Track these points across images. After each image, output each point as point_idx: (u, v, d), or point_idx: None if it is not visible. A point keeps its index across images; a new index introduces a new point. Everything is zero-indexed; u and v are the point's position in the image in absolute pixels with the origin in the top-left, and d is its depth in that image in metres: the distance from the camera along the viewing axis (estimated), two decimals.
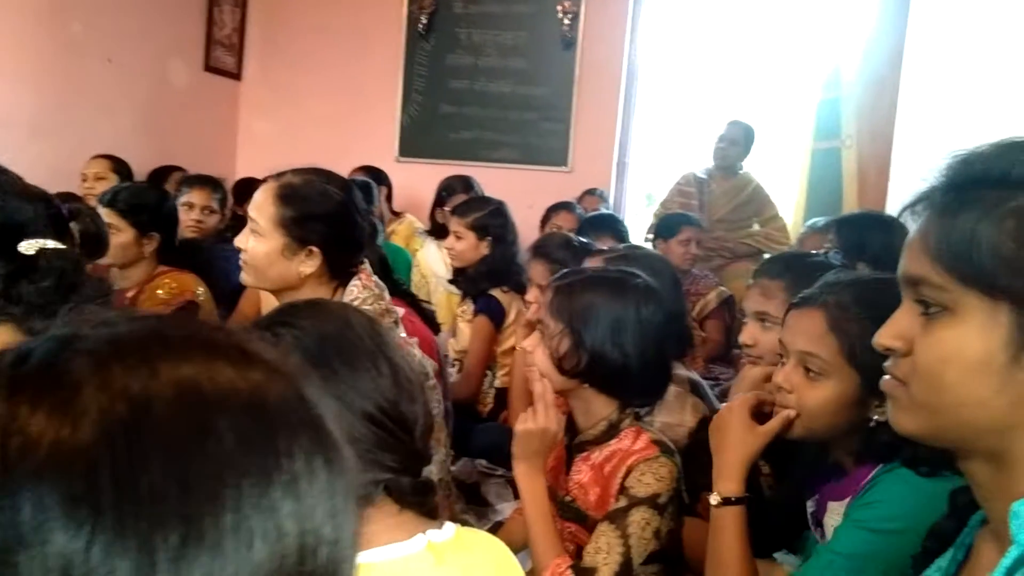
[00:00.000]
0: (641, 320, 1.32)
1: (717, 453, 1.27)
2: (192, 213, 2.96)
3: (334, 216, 1.55)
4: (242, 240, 1.56)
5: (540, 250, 2.38)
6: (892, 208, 3.09)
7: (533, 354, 1.38)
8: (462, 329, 2.72)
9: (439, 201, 3.70)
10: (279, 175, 1.57)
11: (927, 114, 2.82)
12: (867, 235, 2.29)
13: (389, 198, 3.94)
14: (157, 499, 0.34)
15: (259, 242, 1.53)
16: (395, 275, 2.38)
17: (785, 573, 1.44)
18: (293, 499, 0.38)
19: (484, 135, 4.70)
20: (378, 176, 3.81)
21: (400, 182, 4.15)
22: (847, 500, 1.13)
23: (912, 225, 0.75)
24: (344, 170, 4.38)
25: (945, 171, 0.71)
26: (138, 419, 0.35)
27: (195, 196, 3.04)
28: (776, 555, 1.53)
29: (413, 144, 4.80)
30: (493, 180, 4.19)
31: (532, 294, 2.33)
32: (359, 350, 0.87)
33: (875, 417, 1.11)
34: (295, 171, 1.59)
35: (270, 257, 1.53)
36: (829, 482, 1.21)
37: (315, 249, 1.53)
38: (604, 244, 2.61)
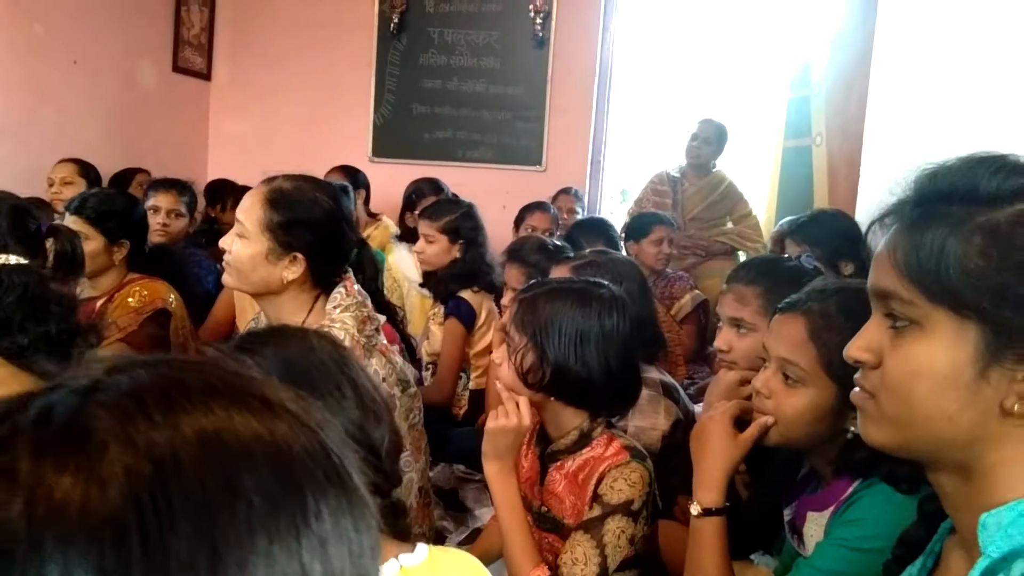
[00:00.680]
0: (604, 331, 1.31)
1: (697, 462, 1.27)
2: (158, 217, 2.91)
3: (321, 224, 1.54)
4: (227, 242, 1.55)
5: (515, 254, 2.38)
6: (862, 205, 3.12)
7: (501, 368, 1.36)
8: (434, 332, 2.70)
9: (408, 205, 3.68)
10: (270, 179, 1.57)
11: (896, 112, 2.85)
12: (830, 232, 2.33)
13: (367, 200, 3.91)
14: (187, 568, 0.33)
15: (244, 245, 1.52)
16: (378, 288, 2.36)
17: (761, 574, 1.45)
18: (321, 556, 0.38)
19: (458, 135, 4.69)
20: (355, 178, 3.77)
21: (373, 183, 4.11)
22: (827, 512, 1.14)
23: (880, 238, 0.75)
24: (318, 171, 4.36)
25: (913, 185, 0.72)
26: (165, 480, 0.35)
27: (161, 199, 2.99)
28: (752, 556, 1.55)
29: (386, 144, 4.77)
30: (467, 180, 4.19)
31: (507, 297, 2.33)
32: (323, 375, 0.87)
33: (851, 428, 1.12)
34: (286, 177, 1.58)
35: (254, 260, 1.52)
36: (806, 491, 1.22)
37: (299, 256, 1.53)
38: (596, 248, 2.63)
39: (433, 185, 3.73)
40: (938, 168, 0.71)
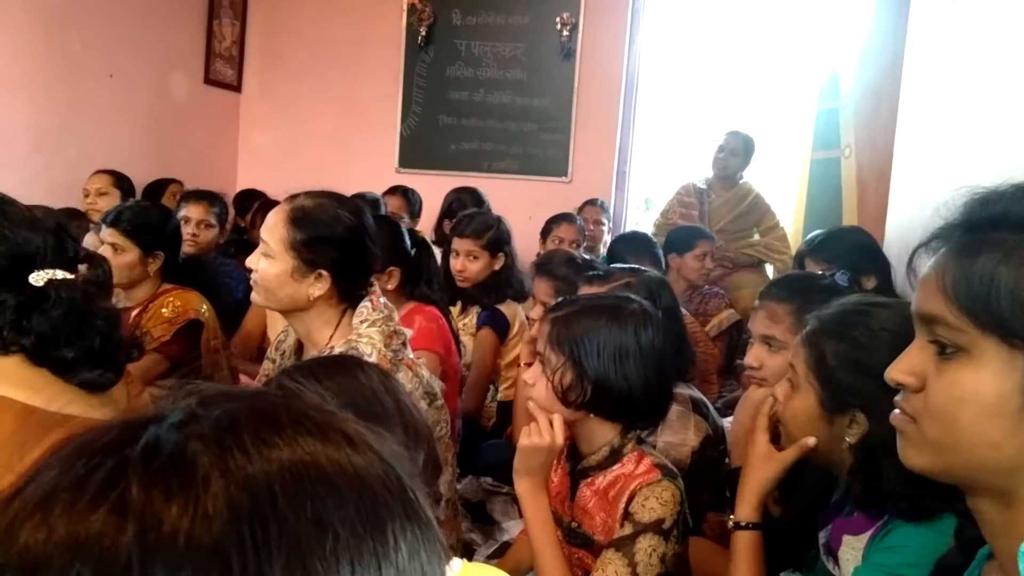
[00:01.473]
0: (641, 345, 1.31)
1: (742, 477, 1.31)
2: (188, 227, 2.96)
3: (345, 240, 1.56)
4: (253, 261, 1.57)
5: (544, 268, 2.39)
6: (892, 218, 3.09)
7: (535, 388, 1.36)
8: (464, 343, 2.71)
9: (447, 213, 3.70)
10: (292, 197, 1.58)
11: (928, 125, 2.82)
12: (848, 248, 2.33)
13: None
14: None
15: (270, 264, 1.54)
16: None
17: None
18: None
19: (484, 146, 4.72)
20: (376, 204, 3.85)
21: None
22: (863, 536, 1.14)
23: (926, 261, 0.75)
24: (346, 181, 4.42)
25: (963, 209, 0.71)
26: (263, 513, 0.37)
27: (192, 210, 3.04)
28: (783, 574, 1.54)
29: (413, 155, 4.82)
30: (493, 191, 4.21)
31: (536, 311, 2.34)
32: (373, 403, 0.88)
33: (848, 440, 1.13)
34: (308, 194, 1.59)
35: (280, 279, 1.53)
36: (842, 514, 1.21)
37: (324, 272, 1.54)
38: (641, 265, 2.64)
39: (473, 195, 3.77)
40: (990, 194, 0.70)
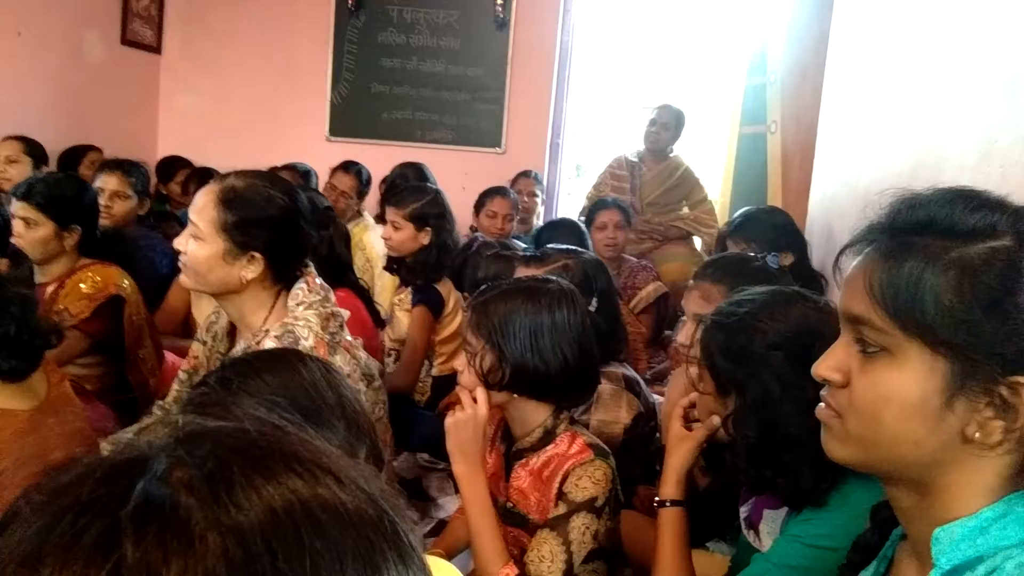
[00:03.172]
0: (556, 324, 1.35)
1: (664, 458, 1.37)
2: (102, 199, 2.78)
3: (278, 222, 1.51)
4: (181, 242, 1.52)
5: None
6: (816, 194, 3.20)
7: (463, 374, 1.40)
8: (399, 318, 2.70)
9: (391, 189, 3.64)
10: (222, 177, 1.53)
11: (850, 102, 2.91)
12: (765, 229, 2.42)
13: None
14: None
15: (199, 246, 1.49)
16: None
17: (717, 561, 1.51)
18: None
19: (417, 115, 4.65)
20: (307, 176, 3.79)
21: (331, 162, 4.07)
22: (782, 510, 1.19)
23: (851, 259, 0.77)
24: (274, 149, 4.30)
25: (889, 212, 0.73)
26: (259, 563, 0.37)
27: (106, 181, 2.87)
28: (709, 544, 1.61)
29: (344, 123, 4.71)
30: (426, 161, 4.15)
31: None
32: (316, 397, 0.87)
33: (728, 419, 1.20)
34: (238, 174, 1.54)
35: (211, 261, 1.49)
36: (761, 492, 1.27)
37: (257, 255, 1.50)
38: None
39: (417, 170, 3.71)
40: (916, 197, 0.72)
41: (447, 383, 2.66)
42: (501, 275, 2.28)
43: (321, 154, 4.37)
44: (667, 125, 4.06)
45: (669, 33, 4.97)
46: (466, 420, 1.34)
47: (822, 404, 0.78)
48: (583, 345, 1.38)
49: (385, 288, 3.34)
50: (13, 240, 2.14)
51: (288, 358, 0.97)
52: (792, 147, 3.74)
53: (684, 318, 1.66)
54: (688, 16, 4.93)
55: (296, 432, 0.47)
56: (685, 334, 1.60)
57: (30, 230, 2.12)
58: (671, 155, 4.16)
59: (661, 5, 4.93)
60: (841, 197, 2.71)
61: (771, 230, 2.37)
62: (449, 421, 1.36)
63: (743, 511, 1.32)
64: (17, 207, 2.13)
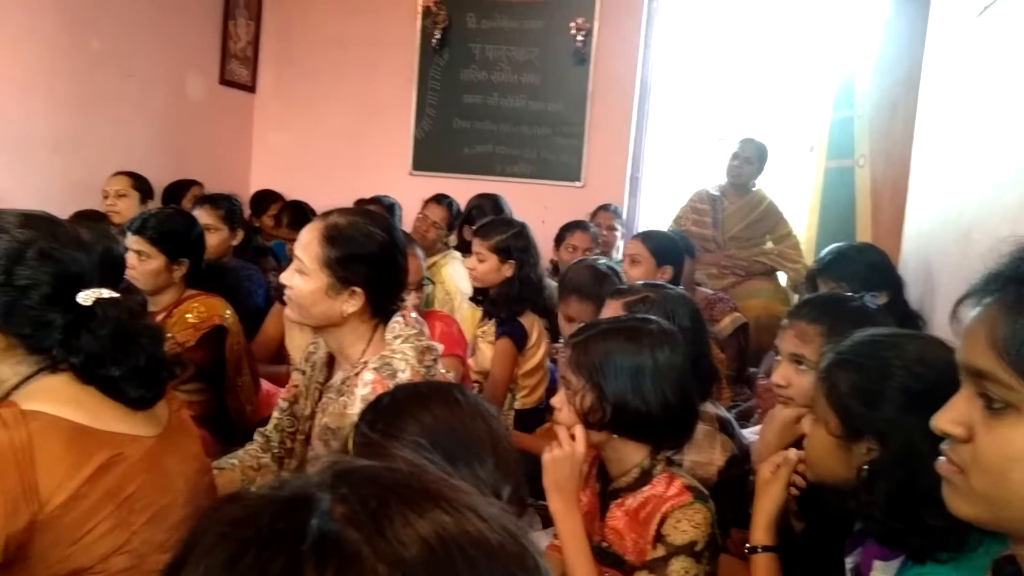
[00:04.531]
0: (658, 365, 1.35)
1: (754, 502, 1.36)
2: None
3: (377, 257, 1.57)
4: (288, 277, 1.59)
5: (567, 286, 2.42)
6: (909, 230, 3.10)
7: (561, 411, 1.41)
8: (483, 350, 2.73)
9: (468, 219, 3.72)
10: (326, 215, 1.60)
11: (946, 135, 2.82)
12: (858, 267, 2.34)
13: None
14: None
15: (304, 281, 1.55)
16: None
17: None
18: None
19: (497, 150, 4.73)
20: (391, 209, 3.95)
21: (413, 196, 4.17)
22: (895, 561, 1.15)
23: (968, 309, 0.75)
24: (359, 182, 4.43)
25: (1012, 261, 0.71)
26: None
27: (198, 215, 3.02)
28: None
29: (427, 158, 4.83)
30: (506, 195, 4.21)
31: (565, 327, 2.39)
32: (475, 440, 0.90)
33: (865, 467, 1.16)
34: (341, 211, 1.61)
35: (314, 296, 1.55)
36: (870, 538, 1.23)
37: (358, 289, 1.55)
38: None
39: (493, 202, 3.78)
40: None
41: (530, 416, 2.68)
42: (585, 286, 2.31)
43: (404, 188, 4.49)
44: (750, 159, 4.02)
45: (750, 66, 4.93)
46: (564, 457, 1.35)
47: (943, 458, 0.76)
48: (683, 386, 1.38)
49: (465, 320, 3.39)
50: (126, 273, 2.27)
51: (448, 391, 1.00)
52: (882, 181, 3.65)
53: (778, 357, 1.63)
54: (770, 49, 4.88)
55: (436, 471, 0.50)
56: (781, 374, 1.57)
57: (143, 263, 2.24)
58: (753, 189, 4.11)
59: (743, 38, 4.90)
60: (939, 234, 2.62)
61: (864, 268, 2.30)
62: (547, 457, 1.37)
63: (849, 561, 1.28)
64: (131, 241, 2.26)
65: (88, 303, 1.15)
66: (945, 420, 0.74)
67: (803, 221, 4.28)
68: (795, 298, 3.96)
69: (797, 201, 4.42)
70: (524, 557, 0.44)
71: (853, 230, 3.72)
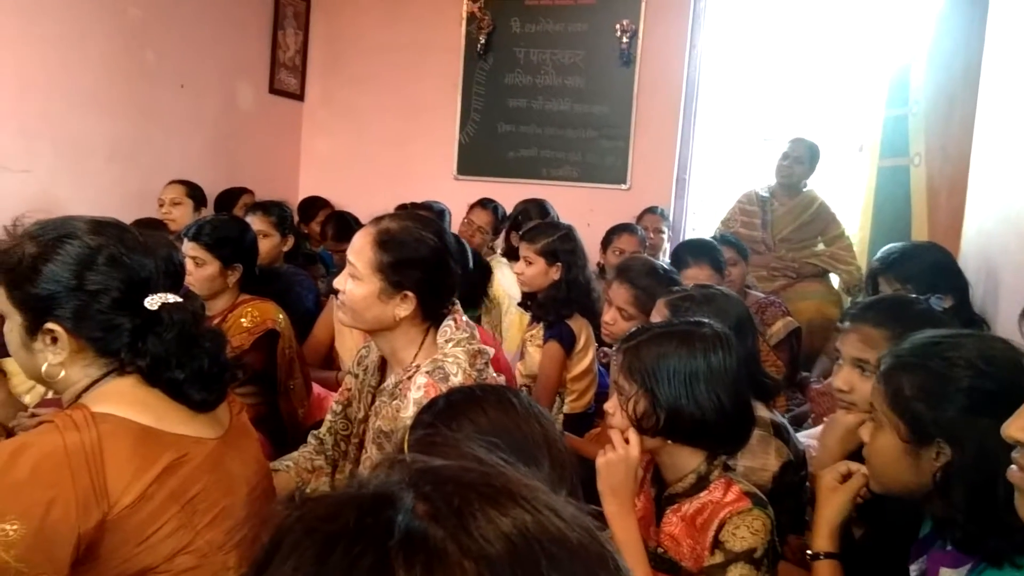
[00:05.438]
0: (712, 369, 1.33)
1: (815, 510, 1.35)
2: None
3: (429, 262, 1.58)
4: (340, 282, 1.60)
5: (625, 274, 2.39)
6: (969, 230, 3.01)
7: (614, 416, 1.40)
8: (531, 353, 2.73)
9: (514, 225, 3.73)
10: (377, 220, 1.61)
11: (1008, 132, 2.73)
12: (923, 267, 2.26)
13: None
14: None
15: (357, 285, 1.57)
16: None
17: None
18: None
19: (542, 153, 4.73)
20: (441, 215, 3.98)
21: (458, 200, 4.20)
22: (963, 569, 1.12)
23: None
24: (404, 188, 4.47)
25: None
26: None
27: (251, 221, 3.07)
28: None
29: (471, 162, 4.85)
30: (551, 198, 4.21)
31: (610, 314, 2.37)
32: (531, 442, 0.90)
33: (939, 471, 1.13)
34: (392, 216, 1.62)
35: (367, 300, 1.56)
36: (935, 545, 1.20)
37: (410, 293, 1.56)
38: (701, 270, 2.63)
39: (539, 207, 3.79)
40: None
41: (579, 421, 2.67)
42: (648, 291, 2.28)
43: (449, 192, 4.51)
44: (800, 159, 3.95)
45: (798, 64, 4.84)
46: (618, 461, 1.35)
47: (1014, 467, 0.73)
48: (738, 390, 1.36)
49: (512, 325, 3.39)
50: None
51: (502, 393, 1.00)
52: (939, 180, 3.55)
53: (839, 361, 1.60)
54: (819, 47, 4.79)
55: (511, 470, 0.50)
56: (844, 379, 1.53)
57: (199, 268, 2.29)
58: (804, 189, 4.03)
59: (790, 37, 4.82)
60: (1002, 233, 2.54)
61: (929, 268, 2.22)
62: (601, 461, 1.37)
63: (914, 569, 1.25)
64: (187, 247, 2.31)
65: (154, 307, 1.17)
66: (1016, 428, 0.72)
67: (855, 222, 4.19)
68: (848, 300, 3.88)
69: (847, 201, 4.33)
70: (605, 558, 0.45)
71: (909, 230, 3.63)
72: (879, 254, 2.44)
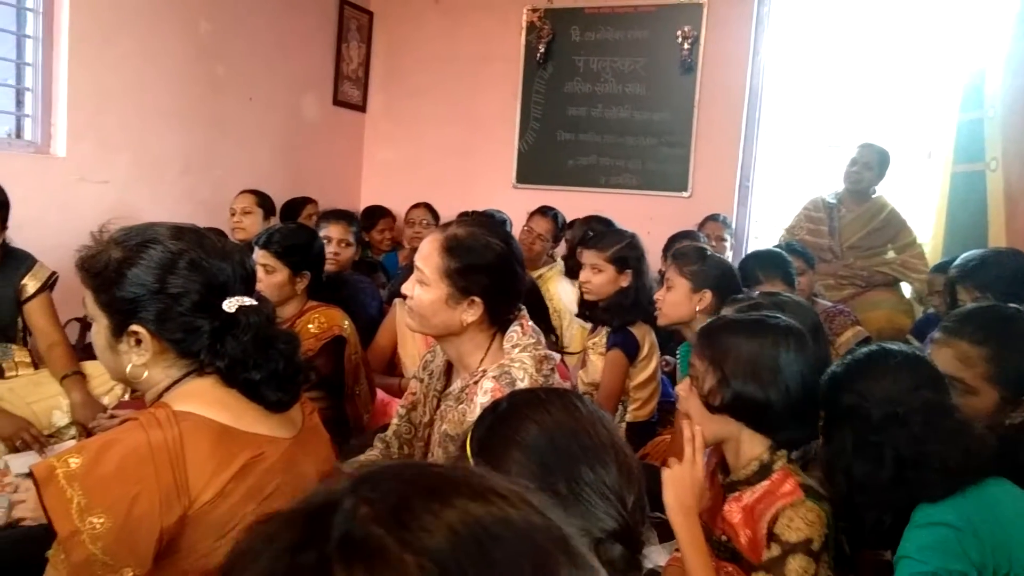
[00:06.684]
0: (779, 358, 1.38)
1: None
2: (330, 247, 3.08)
3: (496, 267, 1.59)
4: (409, 288, 1.62)
5: (679, 257, 2.46)
6: None
7: (687, 400, 1.45)
8: (593, 362, 2.71)
9: (582, 242, 3.72)
10: (445, 226, 1.63)
11: None
12: (1003, 275, 2.17)
13: None
14: None
15: (425, 291, 1.58)
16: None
17: None
18: None
19: (601, 161, 4.71)
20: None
21: (517, 208, 4.21)
22: None
23: None
24: (464, 197, 4.51)
25: None
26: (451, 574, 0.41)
27: (332, 230, 3.16)
28: None
29: (530, 171, 4.87)
30: (611, 205, 4.20)
31: (660, 293, 2.44)
32: (599, 444, 0.90)
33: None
34: (459, 223, 1.63)
35: (435, 306, 1.58)
36: None
37: (477, 299, 1.57)
38: (774, 287, 2.58)
39: (605, 225, 3.77)
40: None
41: (642, 429, 2.64)
42: (691, 261, 2.39)
43: (508, 201, 4.53)
44: (869, 164, 3.84)
45: (864, 70, 4.72)
46: (683, 471, 1.36)
47: None
48: (807, 384, 1.38)
49: (575, 338, 3.38)
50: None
51: (567, 396, 1.00)
52: (1017, 185, 3.42)
53: None
54: (887, 52, 4.66)
55: (471, 467, 0.51)
56: None
57: (269, 275, 2.35)
58: (874, 196, 3.92)
59: (860, 38, 4.70)
60: None
61: (1012, 277, 2.13)
62: (667, 473, 1.38)
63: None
64: (258, 255, 2.37)
65: (232, 310, 1.21)
66: None
67: (927, 229, 4.06)
68: (920, 310, 3.75)
69: (916, 208, 4.19)
70: (550, 530, 0.45)
71: (985, 237, 3.50)
72: (958, 261, 2.35)
